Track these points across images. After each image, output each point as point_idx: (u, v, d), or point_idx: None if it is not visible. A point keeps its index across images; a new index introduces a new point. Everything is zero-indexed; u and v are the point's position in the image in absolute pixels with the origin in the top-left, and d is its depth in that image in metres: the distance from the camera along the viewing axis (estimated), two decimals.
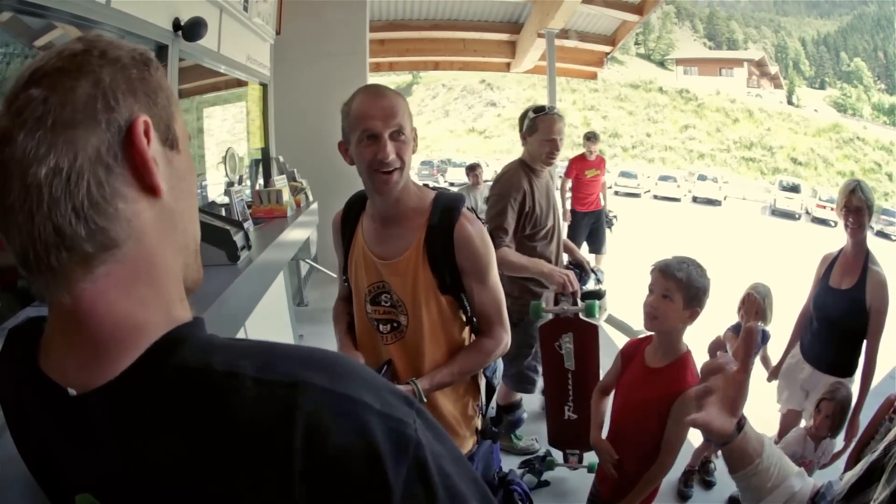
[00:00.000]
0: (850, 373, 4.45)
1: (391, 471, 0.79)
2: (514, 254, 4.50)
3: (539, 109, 4.71)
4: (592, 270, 5.17)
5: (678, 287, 3.06)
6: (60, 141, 0.76)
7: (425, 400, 2.52)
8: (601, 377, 3.82)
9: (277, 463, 0.77)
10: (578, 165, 11.04)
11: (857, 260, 4.35)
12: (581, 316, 4.34)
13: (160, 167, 0.87)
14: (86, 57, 0.82)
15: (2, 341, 1.06)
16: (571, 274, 4.44)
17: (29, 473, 1.01)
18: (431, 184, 2.99)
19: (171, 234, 0.92)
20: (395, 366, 2.72)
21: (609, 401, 3.65)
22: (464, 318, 2.74)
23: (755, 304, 4.61)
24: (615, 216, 12.41)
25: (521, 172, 4.71)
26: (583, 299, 4.45)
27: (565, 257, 5.22)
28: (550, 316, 4.43)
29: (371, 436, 0.79)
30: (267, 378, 0.80)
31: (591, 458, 4.83)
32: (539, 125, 4.61)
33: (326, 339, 6.47)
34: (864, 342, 4.36)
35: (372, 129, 2.35)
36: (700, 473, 5.06)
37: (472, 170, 11.57)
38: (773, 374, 4.92)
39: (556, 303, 4.44)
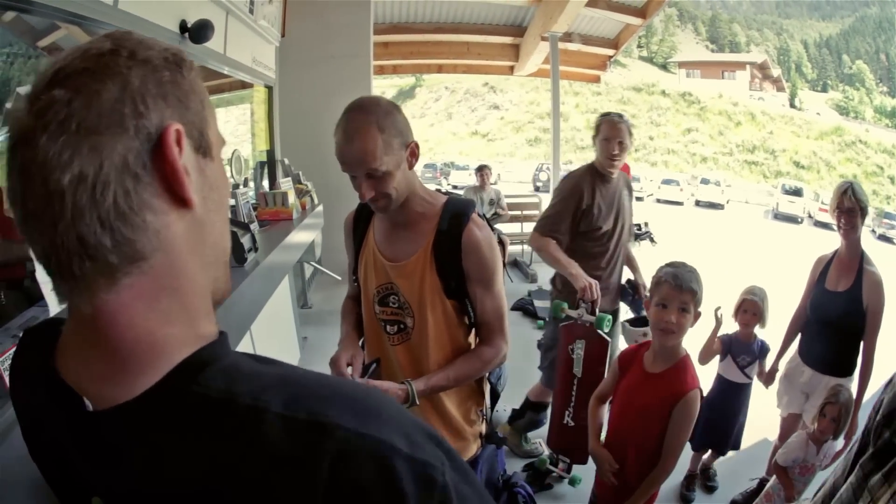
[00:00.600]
0: (849, 372, 4.44)
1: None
2: (555, 247, 4.68)
3: (605, 114, 4.84)
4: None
5: (693, 298, 3.09)
6: (85, 147, 0.73)
7: (417, 402, 2.52)
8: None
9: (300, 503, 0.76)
10: None
11: (853, 261, 4.34)
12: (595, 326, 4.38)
13: (192, 177, 0.84)
14: (113, 58, 0.78)
15: (9, 341, 1.05)
16: (595, 283, 4.45)
17: (37, 474, 0.99)
18: (443, 188, 3.00)
19: (201, 247, 0.89)
20: (399, 364, 2.74)
21: (605, 409, 3.68)
22: (468, 323, 2.74)
23: (755, 307, 4.60)
24: (646, 227, 12.06)
25: (587, 174, 4.85)
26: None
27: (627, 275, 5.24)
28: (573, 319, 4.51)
29: (397, 480, 0.78)
30: (293, 415, 0.78)
31: (577, 470, 4.94)
32: (601, 127, 4.74)
33: (330, 342, 6.47)
34: (862, 342, 4.35)
35: (345, 170, 2.39)
36: (701, 478, 5.07)
37: (481, 171, 11.54)
38: (770, 377, 4.87)
39: (578, 307, 4.50)
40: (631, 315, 5.04)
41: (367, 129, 2.30)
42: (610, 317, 4.40)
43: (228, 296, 1.02)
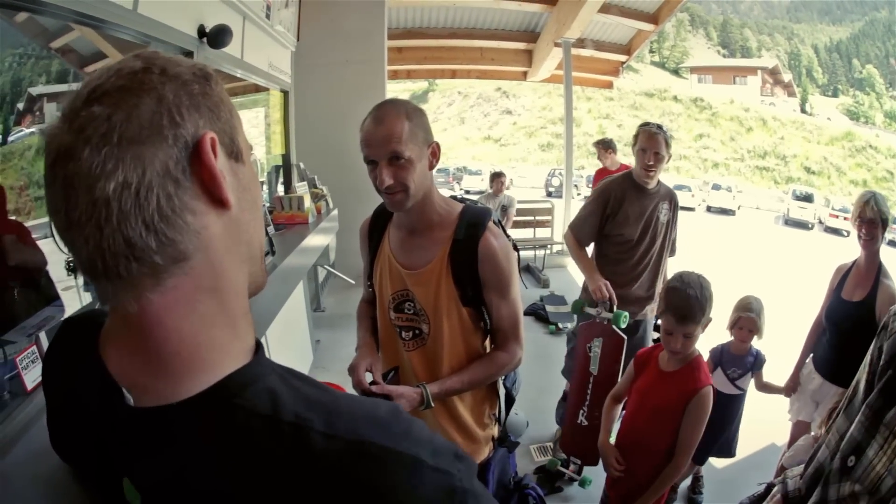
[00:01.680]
0: None
1: None
2: (575, 244, 4.92)
3: (644, 124, 4.87)
4: None
5: (696, 326, 3.16)
6: (128, 156, 0.78)
7: (432, 405, 2.57)
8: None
9: None
10: (602, 178, 10.54)
11: (870, 273, 4.32)
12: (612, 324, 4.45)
13: (227, 180, 0.89)
14: (147, 75, 0.84)
15: (25, 340, 1.08)
16: (607, 283, 4.55)
17: (50, 471, 1.07)
18: (456, 194, 3.02)
19: (238, 246, 0.95)
20: (413, 370, 2.77)
21: (619, 409, 3.74)
22: (484, 329, 2.76)
23: (752, 324, 4.52)
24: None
25: (622, 181, 4.95)
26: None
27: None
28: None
29: (425, 488, 0.86)
30: (333, 433, 0.84)
31: (587, 472, 4.95)
32: (638, 137, 4.80)
33: (343, 345, 6.42)
34: None
35: (369, 155, 2.41)
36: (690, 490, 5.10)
37: (497, 177, 11.54)
38: (790, 387, 4.86)
39: (597, 305, 4.59)
40: None
41: (397, 115, 2.37)
42: (627, 314, 4.46)
43: (264, 287, 1.08)
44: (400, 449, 0.86)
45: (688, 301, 3.14)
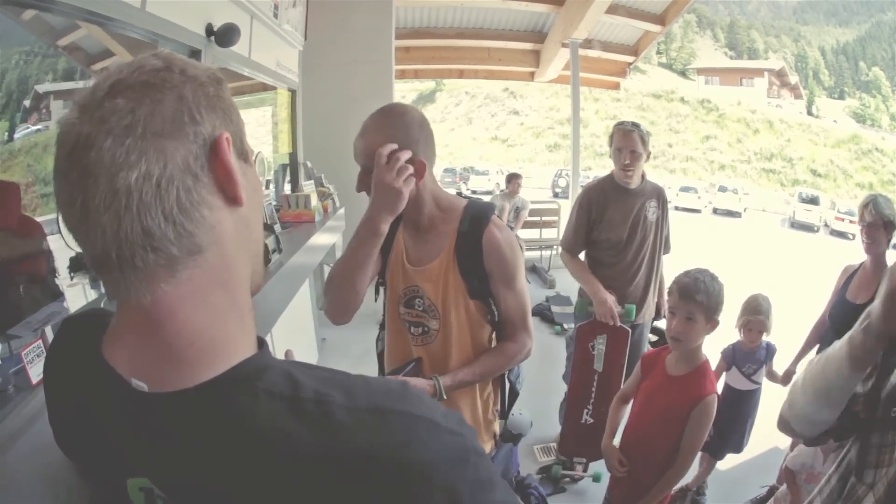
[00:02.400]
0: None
1: (457, 473, 0.89)
2: (579, 264, 4.90)
3: (619, 123, 4.80)
4: None
5: (699, 309, 3.15)
6: (151, 149, 0.80)
7: (445, 397, 2.59)
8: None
9: (376, 481, 0.84)
10: None
11: (875, 276, 4.28)
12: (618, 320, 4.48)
13: (239, 179, 0.92)
14: (168, 73, 0.87)
15: (31, 335, 1.10)
16: (613, 308, 4.54)
17: (51, 468, 1.09)
18: (463, 193, 3.04)
19: (246, 243, 0.98)
20: (422, 363, 2.78)
21: (626, 410, 3.73)
22: (491, 323, 2.78)
23: (761, 326, 4.56)
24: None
25: (603, 184, 4.89)
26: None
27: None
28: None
29: (444, 448, 0.90)
30: (355, 405, 0.88)
31: (596, 467, 4.99)
32: (614, 137, 4.73)
33: (349, 343, 6.41)
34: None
35: (357, 161, 2.50)
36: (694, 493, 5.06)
37: (513, 179, 11.59)
38: (786, 379, 4.84)
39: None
40: None
41: (377, 132, 2.42)
42: (634, 307, 4.52)
43: (262, 287, 1.12)
44: (418, 413, 0.91)
45: (694, 280, 3.17)
